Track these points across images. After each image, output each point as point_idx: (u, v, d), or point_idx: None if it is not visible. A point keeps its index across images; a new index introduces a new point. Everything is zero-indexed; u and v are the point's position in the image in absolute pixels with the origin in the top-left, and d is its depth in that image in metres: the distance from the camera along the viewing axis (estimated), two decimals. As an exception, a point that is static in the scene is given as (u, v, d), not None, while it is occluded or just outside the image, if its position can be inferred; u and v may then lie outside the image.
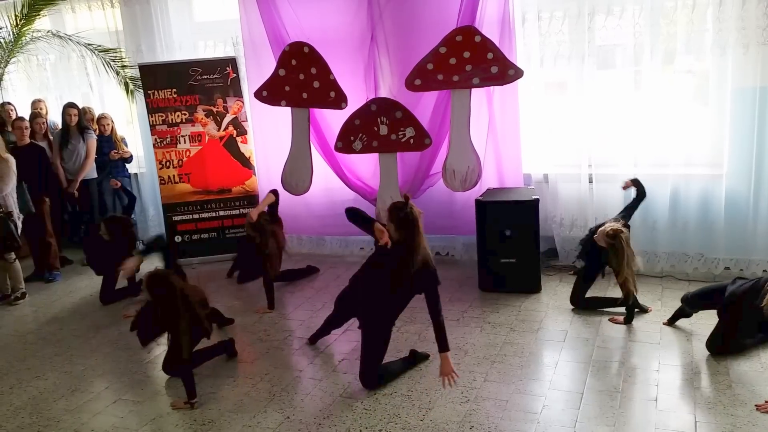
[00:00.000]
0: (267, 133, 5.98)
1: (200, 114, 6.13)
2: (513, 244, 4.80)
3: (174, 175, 6.21)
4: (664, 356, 3.71)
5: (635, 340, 3.93)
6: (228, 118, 6.17)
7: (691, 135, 4.90)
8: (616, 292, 4.33)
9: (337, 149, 5.46)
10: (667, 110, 4.88)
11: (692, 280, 4.82)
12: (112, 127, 6.55)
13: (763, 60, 4.50)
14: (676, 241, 4.98)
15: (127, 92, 6.74)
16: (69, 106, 6.34)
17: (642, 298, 4.57)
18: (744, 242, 4.80)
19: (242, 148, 6.21)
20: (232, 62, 6.09)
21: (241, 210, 6.26)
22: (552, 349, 3.93)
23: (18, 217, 5.42)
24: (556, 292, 4.80)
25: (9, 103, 6.61)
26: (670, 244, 5.00)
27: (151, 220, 7.01)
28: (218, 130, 6.17)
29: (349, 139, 5.38)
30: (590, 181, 5.16)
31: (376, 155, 5.40)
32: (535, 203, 4.75)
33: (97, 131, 6.50)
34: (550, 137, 5.32)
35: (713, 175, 4.83)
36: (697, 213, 4.89)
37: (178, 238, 6.23)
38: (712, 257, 4.91)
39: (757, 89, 4.56)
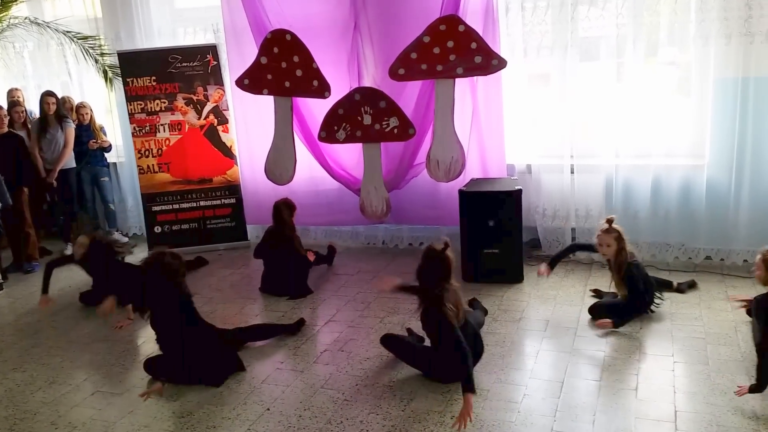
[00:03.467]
0: (249, 122, 5.91)
1: (180, 102, 6.04)
2: (496, 235, 4.79)
3: (153, 165, 6.13)
4: (643, 346, 3.73)
5: (615, 330, 3.93)
6: (209, 106, 6.09)
7: (673, 126, 4.92)
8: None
9: (321, 139, 5.42)
10: (650, 101, 4.89)
11: (672, 270, 4.83)
12: (91, 116, 6.44)
13: (745, 51, 4.51)
14: (658, 231, 5.00)
15: (106, 80, 6.63)
16: (47, 95, 6.23)
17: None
18: (725, 232, 4.83)
19: (223, 137, 6.13)
20: (212, 50, 6.01)
21: (223, 200, 6.20)
22: (533, 339, 3.93)
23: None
24: (538, 283, 4.80)
25: None
26: (651, 234, 5.02)
27: (130, 210, 6.92)
28: (199, 118, 6.10)
29: (332, 129, 5.33)
30: (572, 172, 5.17)
31: (359, 145, 5.37)
32: (518, 194, 4.75)
33: (76, 120, 6.40)
34: (534, 128, 5.32)
35: (695, 165, 4.86)
36: (678, 203, 4.92)
37: (157, 229, 6.17)
38: (693, 247, 4.95)
39: (738, 80, 4.57)
